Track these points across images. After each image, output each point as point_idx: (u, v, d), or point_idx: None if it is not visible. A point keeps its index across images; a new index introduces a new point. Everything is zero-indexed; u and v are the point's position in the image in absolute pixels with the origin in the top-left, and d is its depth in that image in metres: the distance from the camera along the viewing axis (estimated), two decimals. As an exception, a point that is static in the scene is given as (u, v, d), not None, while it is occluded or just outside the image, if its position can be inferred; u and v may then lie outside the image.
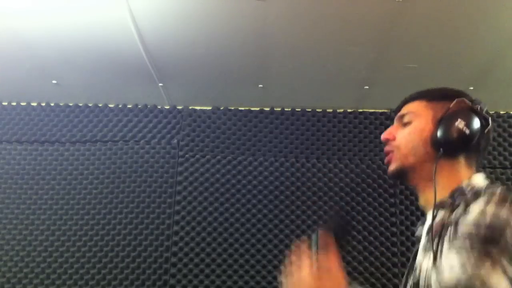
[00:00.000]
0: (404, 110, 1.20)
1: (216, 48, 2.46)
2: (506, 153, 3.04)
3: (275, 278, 2.83)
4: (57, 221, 2.90)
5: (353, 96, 2.96)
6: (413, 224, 2.90)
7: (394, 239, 2.88)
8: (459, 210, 1.00)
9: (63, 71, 2.72)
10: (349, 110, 3.10)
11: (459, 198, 1.03)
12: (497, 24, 2.23)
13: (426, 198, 1.12)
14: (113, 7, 2.13)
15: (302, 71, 2.67)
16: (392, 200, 2.94)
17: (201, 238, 2.87)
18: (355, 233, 2.88)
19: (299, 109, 3.09)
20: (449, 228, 0.99)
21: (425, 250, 1.05)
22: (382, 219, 2.90)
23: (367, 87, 2.84)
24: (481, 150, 1.13)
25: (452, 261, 0.91)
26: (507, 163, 3.02)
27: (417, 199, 1.20)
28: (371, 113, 3.09)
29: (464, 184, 1.07)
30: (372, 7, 2.11)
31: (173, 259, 2.84)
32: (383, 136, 1.19)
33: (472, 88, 2.80)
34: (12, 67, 2.68)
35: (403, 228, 2.90)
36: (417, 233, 1.20)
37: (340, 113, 3.09)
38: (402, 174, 1.15)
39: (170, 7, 2.15)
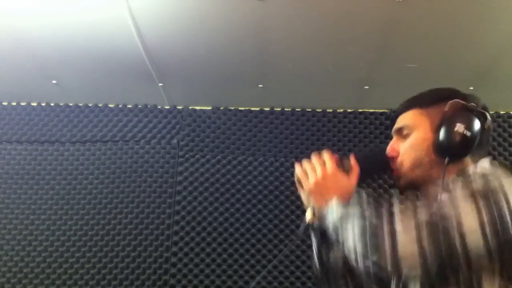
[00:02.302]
0: (400, 123, 1.19)
1: (216, 48, 2.46)
2: (506, 153, 3.04)
3: (275, 278, 2.83)
4: (57, 221, 2.90)
5: (353, 96, 2.96)
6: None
7: (394, 239, 2.88)
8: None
9: (63, 71, 2.72)
10: (349, 110, 3.10)
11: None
12: (497, 24, 2.23)
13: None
14: (113, 7, 2.13)
15: (302, 71, 2.67)
16: (392, 200, 2.93)
17: (201, 238, 2.87)
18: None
19: (299, 109, 3.09)
20: None
21: None
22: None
23: (367, 87, 2.83)
24: (485, 145, 1.12)
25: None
26: (507, 163, 3.02)
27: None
28: (371, 113, 3.09)
29: (469, 168, 1.06)
30: (372, 7, 2.11)
31: (173, 259, 2.84)
32: (389, 154, 1.18)
33: (472, 88, 2.79)
34: (12, 67, 2.67)
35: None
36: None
37: (340, 113, 3.09)
38: (413, 187, 1.15)
39: (170, 7, 2.15)
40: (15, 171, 2.98)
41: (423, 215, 0.92)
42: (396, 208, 1.08)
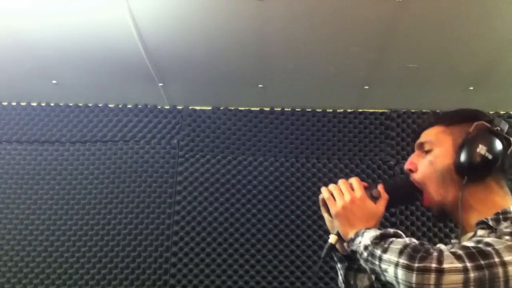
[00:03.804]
0: (423, 138, 1.19)
1: (216, 48, 2.46)
2: (506, 153, 3.04)
3: (275, 278, 2.83)
4: (57, 221, 2.90)
5: (353, 96, 2.96)
6: (413, 224, 2.91)
7: (394, 239, 2.88)
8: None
9: (63, 71, 2.71)
10: (349, 110, 3.10)
11: (503, 221, 1.02)
12: (497, 24, 2.23)
13: (467, 225, 1.11)
14: (113, 7, 2.13)
15: (302, 71, 2.67)
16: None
17: (201, 238, 2.87)
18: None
19: (299, 109, 3.09)
20: None
21: None
22: (382, 219, 2.90)
23: (367, 87, 2.83)
24: (507, 170, 1.12)
25: None
26: None
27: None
28: (371, 113, 3.09)
29: (509, 209, 1.05)
30: (372, 7, 2.11)
31: (173, 259, 2.84)
32: (405, 166, 1.19)
33: (472, 88, 2.80)
34: (12, 67, 2.67)
35: (403, 228, 2.89)
36: (454, 241, 1.20)
37: (340, 113, 3.09)
38: (441, 211, 1.15)
39: (170, 7, 2.15)
40: (15, 171, 2.99)
41: (468, 260, 0.90)
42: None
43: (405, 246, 0.95)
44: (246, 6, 2.10)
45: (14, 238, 2.88)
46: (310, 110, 3.09)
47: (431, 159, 1.14)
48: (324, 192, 1.22)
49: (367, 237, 1.04)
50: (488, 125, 1.12)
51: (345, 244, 1.15)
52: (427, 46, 2.40)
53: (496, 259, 0.89)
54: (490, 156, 1.07)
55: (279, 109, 3.10)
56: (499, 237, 0.95)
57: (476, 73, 2.66)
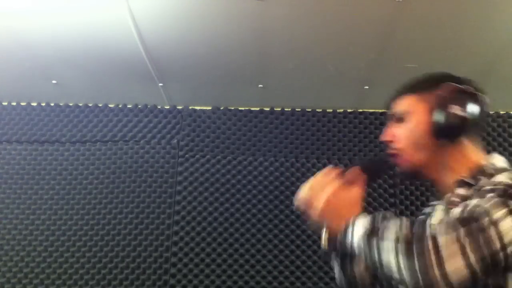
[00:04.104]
0: (396, 108, 1.20)
1: (216, 48, 2.46)
2: (506, 153, 3.04)
3: (275, 278, 2.83)
4: (57, 221, 2.90)
5: (353, 96, 2.96)
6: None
7: (394, 239, 2.88)
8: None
9: (63, 71, 2.71)
10: (349, 110, 3.10)
11: (479, 176, 1.05)
12: (497, 24, 2.23)
13: (445, 185, 1.14)
14: (113, 7, 2.13)
15: (302, 71, 2.67)
16: (392, 200, 2.94)
17: (201, 238, 2.87)
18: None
19: (299, 109, 3.09)
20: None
21: (441, 221, 1.05)
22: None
23: (367, 87, 2.83)
24: (480, 126, 1.15)
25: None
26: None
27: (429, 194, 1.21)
28: (371, 113, 3.09)
29: (482, 163, 1.09)
30: (372, 7, 2.11)
31: (173, 259, 2.84)
32: (383, 138, 1.20)
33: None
34: (12, 67, 2.68)
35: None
36: (432, 203, 1.23)
37: (340, 113, 3.09)
38: (414, 173, 1.17)
39: (170, 7, 2.15)
40: (15, 171, 2.99)
41: (460, 227, 0.91)
42: (431, 221, 1.10)
43: (397, 239, 0.95)
44: (246, 6, 2.10)
45: (14, 238, 2.88)
46: (310, 110, 3.09)
47: (409, 126, 1.16)
48: (304, 193, 1.21)
49: (359, 226, 1.03)
50: (457, 85, 1.13)
51: (338, 237, 1.15)
52: (427, 46, 2.40)
53: (486, 219, 0.90)
54: (463, 115, 1.09)
55: (279, 109, 3.10)
56: (482, 196, 0.97)
57: (476, 73, 2.65)
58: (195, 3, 2.11)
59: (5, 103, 3.12)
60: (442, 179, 1.14)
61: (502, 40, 2.35)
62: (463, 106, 1.09)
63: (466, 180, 1.07)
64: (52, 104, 3.11)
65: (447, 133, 1.11)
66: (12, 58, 2.58)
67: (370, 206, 2.92)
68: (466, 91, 1.12)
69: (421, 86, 1.20)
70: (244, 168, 2.99)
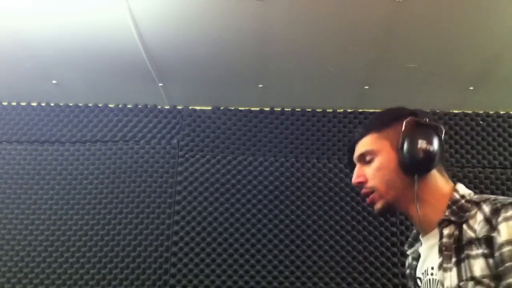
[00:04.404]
0: (360, 149, 1.21)
1: (216, 48, 2.46)
2: (506, 153, 3.04)
3: (275, 278, 2.83)
4: (57, 221, 2.90)
5: (353, 96, 2.96)
6: (413, 224, 2.90)
7: (394, 239, 2.88)
8: (475, 225, 1.03)
9: (63, 71, 2.72)
10: (349, 110, 3.10)
11: (461, 212, 1.08)
12: (497, 24, 2.23)
13: (424, 221, 1.15)
14: (113, 7, 2.13)
15: (302, 71, 2.67)
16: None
17: (201, 238, 2.87)
18: (355, 233, 2.88)
19: (299, 109, 3.09)
20: (476, 245, 1.01)
21: (444, 269, 1.05)
22: (382, 219, 2.90)
23: (367, 87, 2.84)
24: (443, 155, 1.17)
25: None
26: (507, 163, 3.02)
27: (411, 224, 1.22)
28: (371, 113, 3.09)
29: (456, 197, 1.11)
30: (372, 7, 2.11)
31: (173, 259, 2.84)
32: (355, 181, 1.21)
33: (472, 88, 2.80)
34: (12, 67, 2.68)
35: (403, 228, 2.90)
36: (410, 251, 1.25)
37: (340, 113, 3.09)
38: (390, 209, 1.19)
39: (170, 7, 2.15)
40: (15, 171, 2.99)
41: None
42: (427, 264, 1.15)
43: None
44: (246, 6, 2.11)
45: (14, 238, 2.88)
46: (310, 110, 3.09)
47: (377, 165, 1.17)
48: None
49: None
50: (416, 119, 1.15)
51: None
52: (427, 46, 2.40)
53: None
54: (430, 148, 1.11)
55: (279, 109, 3.10)
56: (494, 227, 0.99)
57: (476, 73, 2.66)
58: (195, 3, 2.11)
59: (5, 103, 3.12)
60: (418, 214, 1.14)
61: (502, 40, 2.35)
62: (428, 139, 1.11)
63: (451, 219, 1.08)
64: (52, 104, 3.11)
65: (417, 168, 1.11)
66: (12, 58, 2.58)
67: (370, 206, 2.92)
68: (426, 124, 1.14)
69: (381, 123, 1.20)
70: (244, 168, 2.99)
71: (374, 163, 1.17)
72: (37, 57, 2.56)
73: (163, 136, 3.04)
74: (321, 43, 2.39)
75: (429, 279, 1.13)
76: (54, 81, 2.84)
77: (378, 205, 1.18)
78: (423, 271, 1.17)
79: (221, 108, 3.09)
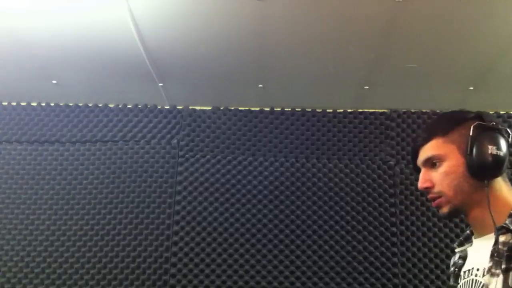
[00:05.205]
0: (426, 154, 1.20)
1: (216, 48, 2.46)
2: (506, 153, 3.03)
3: (275, 278, 2.83)
4: (57, 221, 2.90)
5: (353, 96, 2.96)
6: (413, 224, 2.91)
7: (394, 239, 2.88)
8: None
9: (63, 71, 2.72)
10: (349, 110, 3.10)
11: None
12: (497, 24, 2.23)
13: (482, 225, 1.15)
14: (113, 7, 2.13)
15: (302, 71, 2.67)
16: (392, 200, 2.94)
17: (201, 238, 2.87)
18: (355, 233, 2.88)
19: (299, 109, 3.09)
20: None
21: (492, 273, 1.06)
22: (382, 219, 2.90)
23: (367, 87, 2.83)
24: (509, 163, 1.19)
25: None
26: (507, 163, 3.02)
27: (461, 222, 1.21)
28: (371, 113, 3.09)
29: None
30: (372, 7, 2.11)
31: (173, 259, 2.84)
32: (422, 186, 1.20)
33: (472, 88, 2.80)
34: (12, 67, 2.68)
35: (403, 228, 2.90)
36: (459, 249, 1.25)
37: (340, 113, 3.09)
38: (456, 213, 1.18)
39: (170, 7, 2.15)
40: (15, 171, 2.99)
41: None
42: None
43: None
44: (246, 6, 2.11)
45: (14, 238, 2.88)
46: (310, 110, 3.09)
47: (444, 170, 1.16)
48: None
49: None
50: (482, 123, 1.14)
51: None
52: (427, 46, 2.40)
53: None
54: (500, 153, 1.10)
55: (279, 109, 3.10)
56: None
57: (476, 73, 2.66)
58: (195, 3, 2.11)
59: (5, 103, 3.12)
60: (482, 219, 1.14)
61: (502, 40, 2.35)
62: (497, 144, 1.10)
63: (510, 227, 1.07)
64: (52, 104, 3.11)
65: (487, 174, 1.11)
66: (12, 58, 2.58)
67: (370, 206, 2.92)
68: (494, 128, 1.13)
69: (445, 126, 1.19)
70: (244, 168, 2.99)
71: (441, 168, 1.17)
72: (37, 57, 2.56)
73: (163, 136, 3.04)
74: (321, 43, 2.39)
75: (472, 280, 1.13)
76: (54, 81, 2.84)
77: (445, 210, 1.18)
78: (467, 269, 1.18)
79: (221, 108, 3.09)
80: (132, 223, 2.88)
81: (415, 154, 1.23)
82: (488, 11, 2.14)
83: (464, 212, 1.19)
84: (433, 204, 1.19)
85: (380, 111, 3.09)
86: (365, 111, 3.10)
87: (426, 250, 2.87)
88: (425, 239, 2.88)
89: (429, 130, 1.23)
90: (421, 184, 1.20)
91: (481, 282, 1.08)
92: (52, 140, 3.05)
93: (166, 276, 2.82)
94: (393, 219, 2.91)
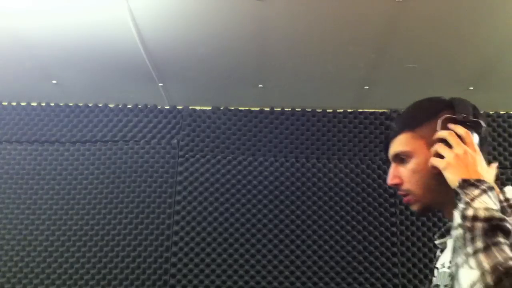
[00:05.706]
0: (395, 149, 1.14)
1: (216, 48, 2.46)
2: (506, 153, 3.04)
3: (275, 278, 2.83)
4: (57, 221, 2.90)
5: (353, 96, 2.96)
6: (413, 224, 2.91)
7: (394, 239, 2.88)
8: None
9: (63, 71, 2.72)
10: (349, 110, 3.10)
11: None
12: (497, 24, 2.23)
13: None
14: (113, 7, 2.13)
15: (302, 71, 2.67)
16: (392, 200, 2.94)
17: (201, 238, 2.87)
18: (355, 233, 2.88)
19: (299, 109, 3.09)
20: None
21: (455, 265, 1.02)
22: (382, 219, 2.90)
23: (367, 87, 2.83)
24: (485, 152, 1.08)
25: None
26: (507, 163, 3.02)
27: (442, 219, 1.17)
28: (371, 113, 3.09)
29: (500, 199, 1.01)
30: (372, 7, 2.11)
31: (173, 259, 2.84)
32: (390, 182, 1.14)
33: (472, 88, 2.79)
34: (12, 67, 2.67)
35: (403, 228, 2.90)
36: (438, 241, 1.18)
37: (340, 113, 3.09)
38: (427, 211, 1.14)
39: (170, 7, 2.15)
40: (15, 171, 2.99)
41: None
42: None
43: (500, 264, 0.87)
44: (246, 6, 2.10)
45: (14, 238, 2.88)
46: (310, 110, 3.09)
47: (413, 167, 1.10)
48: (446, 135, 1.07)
49: (481, 206, 0.93)
50: (452, 116, 1.06)
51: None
52: (427, 46, 2.40)
53: None
54: None
55: (279, 109, 3.10)
56: None
57: (476, 73, 2.66)
58: (195, 3, 2.11)
59: (5, 103, 3.12)
60: (451, 211, 1.05)
61: (502, 40, 2.35)
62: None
63: None
64: (52, 104, 3.11)
65: None
66: (12, 58, 2.58)
67: (370, 206, 2.92)
68: (463, 121, 1.05)
69: (414, 120, 1.12)
70: (244, 168, 2.99)
71: (409, 165, 1.11)
72: (37, 57, 2.56)
73: (163, 136, 3.04)
74: (321, 43, 2.39)
75: (444, 272, 1.09)
76: (54, 81, 2.84)
77: (415, 207, 1.13)
78: (442, 262, 1.14)
79: (221, 108, 3.09)
80: (132, 223, 2.88)
81: (387, 147, 1.17)
82: (488, 11, 2.14)
83: (437, 209, 1.14)
84: (404, 201, 1.14)
85: (380, 111, 3.09)
86: (365, 111, 3.10)
87: (426, 250, 2.87)
88: (425, 239, 2.88)
89: (399, 122, 1.16)
90: (389, 180, 1.15)
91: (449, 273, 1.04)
92: (52, 140, 3.05)
93: (166, 276, 2.82)
94: (393, 219, 2.91)
